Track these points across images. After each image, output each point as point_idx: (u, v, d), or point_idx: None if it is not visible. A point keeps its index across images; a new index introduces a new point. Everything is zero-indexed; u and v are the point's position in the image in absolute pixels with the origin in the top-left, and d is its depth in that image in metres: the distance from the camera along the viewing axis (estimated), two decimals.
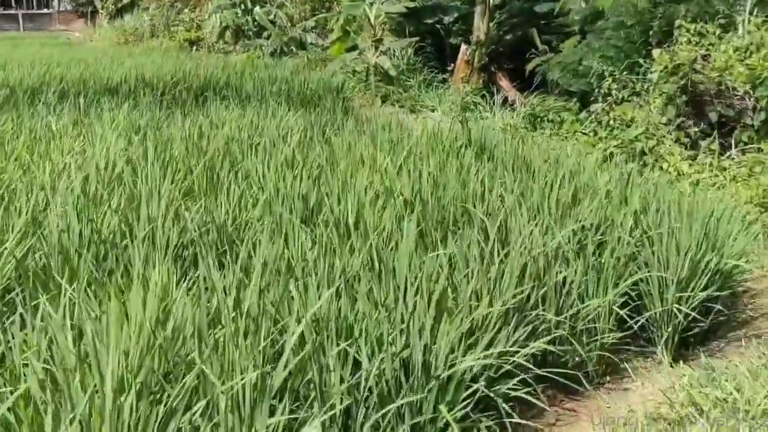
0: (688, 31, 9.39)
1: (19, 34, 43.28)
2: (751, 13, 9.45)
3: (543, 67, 11.68)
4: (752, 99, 8.18)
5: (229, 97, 10.41)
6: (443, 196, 4.75)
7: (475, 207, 4.65)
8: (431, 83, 13.67)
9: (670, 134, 8.30)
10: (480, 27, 13.22)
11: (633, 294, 4.33)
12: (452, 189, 4.89)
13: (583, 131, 9.39)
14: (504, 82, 13.28)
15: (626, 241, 4.30)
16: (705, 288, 4.20)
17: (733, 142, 8.22)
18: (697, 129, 8.38)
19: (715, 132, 8.29)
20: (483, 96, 12.27)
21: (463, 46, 13.37)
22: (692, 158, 8.12)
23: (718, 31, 9.57)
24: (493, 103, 11.78)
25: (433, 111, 11.87)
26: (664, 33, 10.21)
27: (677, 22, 9.58)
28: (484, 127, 7.82)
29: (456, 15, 15.39)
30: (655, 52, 9.12)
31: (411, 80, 13.53)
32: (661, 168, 7.64)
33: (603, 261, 4.21)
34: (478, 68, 13.20)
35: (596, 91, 10.26)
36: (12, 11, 50.55)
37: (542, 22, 14.28)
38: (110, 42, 31.31)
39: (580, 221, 4.57)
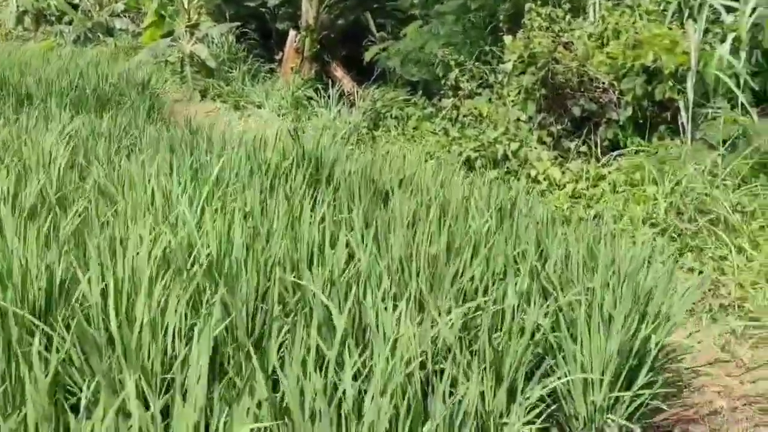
0: (539, 15, 8.33)
1: None
2: None
3: (382, 56, 10.32)
4: (616, 92, 7.23)
5: (4, 96, 8.26)
6: (265, 257, 3.21)
7: (312, 271, 3.15)
8: (257, 74, 11.98)
9: (532, 134, 7.20)
10: (308, 11, 11.67)
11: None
12: (278, 242, 3.36)
13: (434, 131, 8.12)
14: (339, 73, 11.83)
15: (534, 324, 2.97)
16: (646, 383, 2.96)
17: (598, 140, 7.25)
18: (560, 126, 7.33)
19: (586, 131, 7.28)
20: (316, 89, 10.77)
21: (292, 33, 11.78)
22: (561, 157, 7.05)
23: (567, 16, 8.61)
24: (328, 97, 10.31)
25: (259, 108, 10.22)
26: (512, 17, 9.15)
27: (527, 5, 8.51)
28: (320, 134, 6.31)
29: None
30: (507, 39, 8.00)
31: (234, 71, 11.76)
32: (528, 176, 6.49)
33: (502, 353, 2.85)
34: (310, 57, 11.65)
35: (443, 82, 9.04)
36: None
37: (375, 5, 13.00)
38: None
39: (463, 291, 3.22)
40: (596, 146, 7.22)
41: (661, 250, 4.21)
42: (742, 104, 6.59)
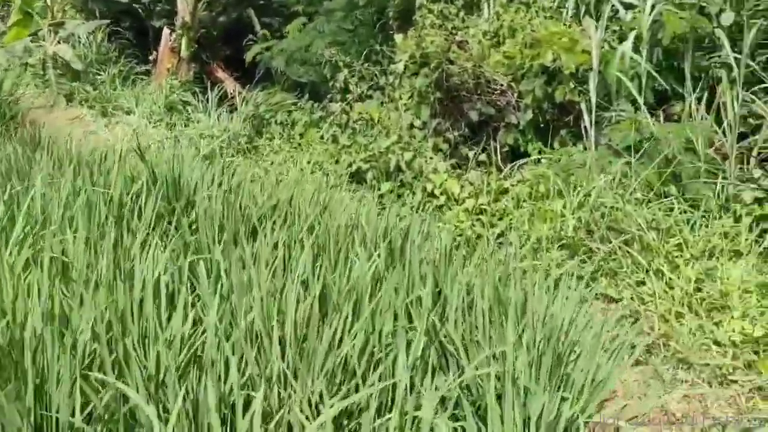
0: (431, 12, 7.71)
1: None
2: None
3: (265, 56, 9.47)
4: (515, 94, 6.68)
5: None
6: (75, 335, 2.36)
7: (137, 352, 2.33)
8: (129, 77, 10.87)
9: (427, 141, 6.55)
10: (185, 7, 10.67)
11: None
12: (95, 311, 2.51)
13: (322, 138, 7.37)
14: (221, 74, 10.91)
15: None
16: None
17: (498, 145, 6.68)
18: (457, 132, 6.72)
19: (486, 137, 6.70)
20: (195, 92, 9.82)
21: (166, 31, 10.75)
22: (459, 166, 6.44)
23: (461, 13, 8.03)
24: (207, 101, 9.38)
25: (129, 114, 9.18)
26: (403, 14, 8.49)
27: (418, 2, 7.88)
28: (181, 151, 5.45)
29: None
30: (398, 38, 7.33)
31: (103, 74, 10.61)
32: (424, 189, 5.83)
33: None
34: (188, 57, 10.66)
35: (331, 85, 8.30)
36: None
37: (261, 2, 12.12)
38: None
39: (342, 363, 2.50)
40: (496, 152, 6.65)
41: (576, 285, 3.59)
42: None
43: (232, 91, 10.53)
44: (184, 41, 10.59)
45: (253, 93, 9.32)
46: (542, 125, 6.63)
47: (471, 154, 6.47)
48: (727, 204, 5.23)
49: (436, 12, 7.76)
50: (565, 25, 7.11)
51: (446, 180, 5.71)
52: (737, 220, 4.98)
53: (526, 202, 5.33)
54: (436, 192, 5.71)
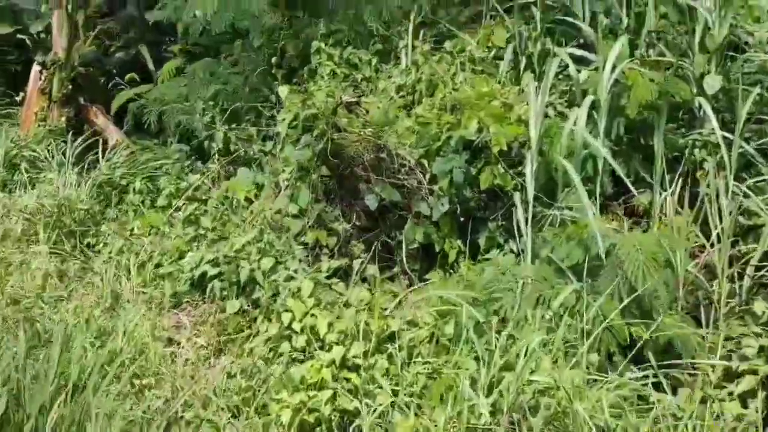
0: (330, 58, 5.82)
1: None
2: (416, 37, 6.18)
3: (134, 105, 7.46)
4: (427, 175, 4.79)
5: None
6: None
7: None
8: None
9: (304, 234, 4.61)
10: (58, 41, 8.65)
11: None
12: None
13: (172, 221, 5.38)
14: (101, 120, 8.81)
15: None
16: None
17: (404, 242, 4.77)
18: (348, 224, 4.79)
19: (389, 229, 4.78)
20: (59, 144, 7.73)
21: (35, 68, 8.67)
22: (344, 274, 4.52)
23: (374, 60, 6.15)
24: (71, 155, 7.29)
25: None
26: (301, 60, 6.59)
27: (314, 44, 6.01)
28: None
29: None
30: (282, 90, 5.41)
31: None
32: (281, 323, 3.85)
33: None
34: (61, 100, 8.58)
35: (207, 145, 6.36)
36: None
37: (169, 38, 10.12)
38: None
39: None
40: (399, 251, 4.75)
41: None
42: (602, 203, 4.34)
43: (115, 142, 8.48)
44: (55, 81, 8.53)
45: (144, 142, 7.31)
46: (462, 218, 4.74)
47: (364, 256, 4.55)
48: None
49: (336, 58, 5.88)
50: (499, 83, 5.27)
51: (311, 310, 3.74)
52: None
53: (422, 356, 3.39)
54: (296, 326, 3.72)
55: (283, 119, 5.10)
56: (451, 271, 4.69)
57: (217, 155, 6.24)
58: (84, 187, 6.14)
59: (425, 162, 4.77)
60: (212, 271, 4.34)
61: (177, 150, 7.06)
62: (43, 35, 10.78)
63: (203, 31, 7.21)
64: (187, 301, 4.47)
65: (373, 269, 4.54)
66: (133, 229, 5.38)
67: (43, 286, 4.63)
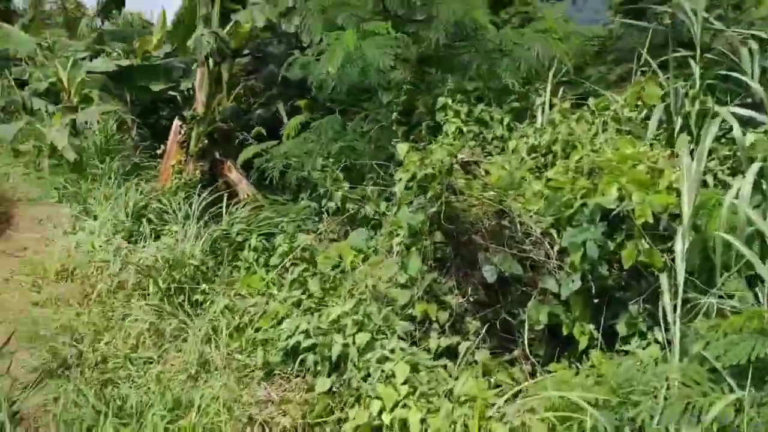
0: (457, 115, 5.39)
1: None
2: (554, 95, 5.65)
3: (260, 160, 7.35)
4: (556, 247, 4.17)
5: None
6: None
7: None
8: (133, 172, 9.00)
9: (411, 307, 4.11)
10: (199, 97, 8.82)
11: None
12: None
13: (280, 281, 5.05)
14: (234, 175, 8.85)
15: None
16: None
17: (525, 326, 4.14)
18: (462, 297, 4.23)
19: (507, 306, 4.19)
20: (190, 197, 7.74)
21: (176, 122, 8.88)
22: (453, 354, 3.96)
23: (507, 119, 5.65)
24: (197, 208, 7.23)
25: (96, 219, 7.18)
26: (430, 117, 6.21)
27: (440, 100, 5.60)
28: None
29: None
30: (401, 148, 4.99)
31: (103, 167, 8.79)
32: (370, 414, 3.34)
33: None
34: (197, 153, 8.70)
35: (324, 204, 6.06)
36: None
37: (310, 96, 10.15)
38: None
39: None
40: (520, 332, 4.13)
41: None
42: None
43: (245, 196, 8.45)
44: (193, 135, 8.67)
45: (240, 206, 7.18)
46: (596, 298, 4.06)
47: (476, 329, 3.98)
48: None
49: (463, 115, 5.44)
50: (647, 146, 4.60)
51: (404, 399, 3.20)
52: None
53: None
54: (386, 417, 3.20)
55: (400, 179, 4.68)
56: (581, 361, 4.01)
57: (331, 214, 5.92)
58: (199, 242, 5.97)
59: (554, 232, 4.15)
60: (305, 343, 3.92)
61: (305, 207, 6.84)
62: (192, 92, 11.17)
63: (333, 87, 7.02)
64: (279, 373, 4.06)
65: (485, 352, 3.95)
66: (241, 289, 5.09)
67: (136, 346, 4.41)
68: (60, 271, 5.92)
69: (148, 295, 5.29)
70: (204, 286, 5.40)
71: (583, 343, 4.04)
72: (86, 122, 9.63)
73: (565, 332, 4.13)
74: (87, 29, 15.54)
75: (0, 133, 9.02)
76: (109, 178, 8.53)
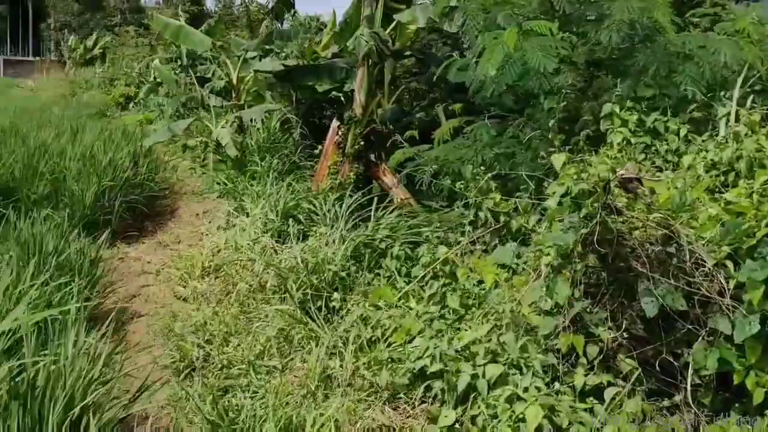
0: (624, 124, 4.87)
1: None
2: (741, 105, 4.96)
3: (417, 162, 7.10)
4: (732, 282, 3.57)
5: None
6: None
7: None
8: (291, 171, 9.13)
9: (546, 342, 3.68)
10: (358, 97, 8.78)
11: None
12: None
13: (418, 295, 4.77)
14: (388, 178, 8.73)
15: None
16: None
17: (689, 369, 3.60)
18: (616, 330, 3.75)
19: (667, 346, 3.67)
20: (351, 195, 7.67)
21: (334, 123, 8.89)
22: (598, 394, 3.52)
23: (683, 130, 5.05)
24: (345, 211, 7.14)
25: (248, 216, 7.30)
26: (597, 123, 5.70)
27: (606, 107, 5.10)
28: None
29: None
30: (555, 160, 4.57)
31: (263, 164, 8.99)
32: None
33: None
34: (352, 155, 8.67)
35: (473, 214, 5.72)
36: None
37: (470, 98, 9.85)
38: (52, 93, 27.23)
39: None
40: (683, 377, 3.59)
41: None
42: None
43: (400, 200, 8.29)
44: (350, 136, 8.64)
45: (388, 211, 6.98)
46: None
47: (631, 368, 3.49)
48: None
49: (632, 125, 4.90)
50: None
51: None
52: None
53: None
54: None
55: (553, 193, 4.26)
56: (755, 417, 3.41)
57: (479, 226, 5.56)
58: (342, 247, 5.84)
59: (731, 264, 3.57)
60: (433, 367, 3.62)
61: (459, 215, 6.54)
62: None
63: (492, 92, 6.66)
64: (404, 397, 3.78)
65: (640, 396, 3.46)
66: (374, 300, 4.87)
67: (263, 352, 4.31)
68: (207, 267, 6.02)
69: (285, 298, 5.22)
70: (337, 295, 5.24)
71: (758, 396, 3.44)
72: (251, 120, 9.90)
73: (736, 381, 3.54)
74: (266, 30, 16.16)
75: (172, 128, 9.46)
76: (267, 175, 8.69)
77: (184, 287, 5.75)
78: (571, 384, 3.65)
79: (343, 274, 5.47)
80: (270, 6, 12.75)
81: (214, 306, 5.17)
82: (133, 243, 7.41)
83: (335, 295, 5.09)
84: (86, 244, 5.77)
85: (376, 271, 5.81)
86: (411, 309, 4.77)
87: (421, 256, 5.67)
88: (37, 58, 47.58)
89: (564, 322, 3.78)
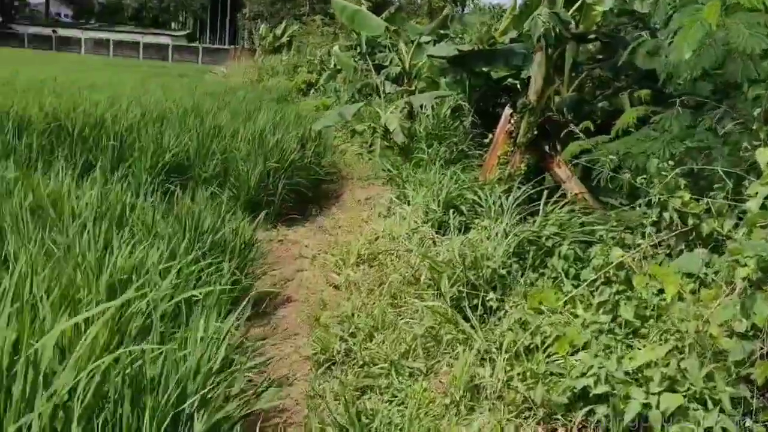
0: None
1: (179, 65, 42.94)
2: None
3: (590, 157, 6.50)
4: None
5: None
6: None
7: None
8: (459, 159, 8.80)
9: (738, 370, 3.07)
10: (534, 84, 8.25)
11: None
12: None
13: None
14: (562, 171, 8.13)
15: None
16: None
17: None
18: None
19: None
20: (519, 187, 7.21)
21: (506, 111, 8.42)
22: None
23: None
24: (512, 204, 6.69)
25: (409, 204, 7.04)
26: None
27: None
28: None
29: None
30: (760, 155, 3.88)
31: (430, 151, 8.72)
32: None
33: None
34: (524, 145, 8.17)
35: (660, 215, 5.09)
36: (194, 45, 51.52)
37: (659, 87, 9.02)
38: (240, 78, 28.71)
39: None
40: None
41: None
42: None
43: (573, 195, 7.70)
44: (522, 125, 8.14)
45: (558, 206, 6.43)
46: None
47: None
48: None
49: None
50: None
51: None
52: None
53: None
54: None
55: (756, 193, 3.61)
56: None
57: (657, 228, 4.92)
58: (504, 242, 5.41)
59: None
60: (597, 389, 3.13)
61: (641, 215, 5.90)
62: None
63: (686, 78, 5.91)
64: (561, 418, 3.32)
65: None
66: (533, 303, 4.42)
67: (408, 352, 4.00)
68: (362, 255, 5.83)
69: (440, 294, 4.89)
70: (494, 294, 4.82)
71: None
72: (421, 106, 9.66)
73: None
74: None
75: (342, 113, 9.42)
76: (433, 163, 8.40)
77: (338, 274, 5.59)
78: (766, 423, 3.04)
79: (503, 271, 5.05)
80: None
81: (364, 297, 4.95)
82: (293, 226, 7.42)
83: (492, 294, 4.68)
84: (243, 225, 5.78)
85: (541, 270, 5.34)
86: (577, 317, 4.26)
87: (592, 258, 5.10)
88: (232, 46, 50.59)
89: (763, 348, 3.15)
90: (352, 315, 4.58)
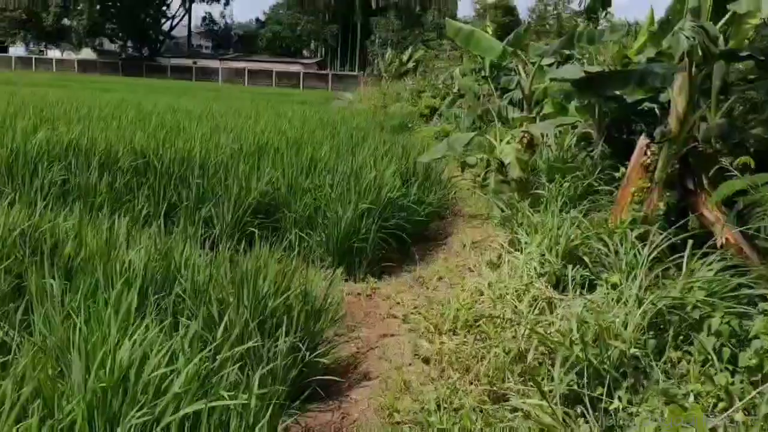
0: None
1: (307, 92, 43.80)
2: None
3: (749, 198, 5.28)
4: None
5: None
6: None
7: None
8: (587, 195, 7.69)
9: None
10: (675, 109, 7.05)
11: None
12: None
13: None
14: (711, 213, 6.85)
15: None
16: None
17: None
18: None
19: None
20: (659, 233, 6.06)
21: (642, 140, 7.25)
22: None
23: None
24: (647, 255, 5.56)
25: (521, 252, 6.03)
26: None
27: None
28: None
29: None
30: None
31: (551, 187, 7.67)
32: None
33: None
34: (663, 181, 6.97)
35: None
36: (324, 72, 52.63)
37: None
38: (366, 105, 28.48)
39: None
40: None
41: None
42: None
43: (722, 243, 6.43)
44: (661, 156, 6.95)
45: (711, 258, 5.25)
46: None
47: None
48: None
49: None
50: None
51: None
52: None
53: None
54: None
55: None
56: None
57: None
58: (637, 310, 4.32)
59: None
60: None
61: None
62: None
63: None
64: None
65: None
66: (679, 416, 3.32)
67: None
68: (461, 318, 4.89)
69: (551, 377, 3.89)
70: (620, 392, 3.74)
71: None
72: (543, 135, 8.62)
73: None
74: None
75: (451, 144, 8.55)
76: (556, 201, 7.34)
77: (430, 342, 4.69)
78: None
79: (636, 351, 3.97)
80: (582, 6, 11.30)
81: (456, 379, 4.02)
82: (387, 276, 6.59)
83: (620, 391, 3.62)
84: (317, 281, 4.97)
85: (685, 348, 4.21)
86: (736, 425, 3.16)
87: (752, 336, 3.96)
88: (360, 72, 51.09)
89: None
90: (437, 408, 3.66)
